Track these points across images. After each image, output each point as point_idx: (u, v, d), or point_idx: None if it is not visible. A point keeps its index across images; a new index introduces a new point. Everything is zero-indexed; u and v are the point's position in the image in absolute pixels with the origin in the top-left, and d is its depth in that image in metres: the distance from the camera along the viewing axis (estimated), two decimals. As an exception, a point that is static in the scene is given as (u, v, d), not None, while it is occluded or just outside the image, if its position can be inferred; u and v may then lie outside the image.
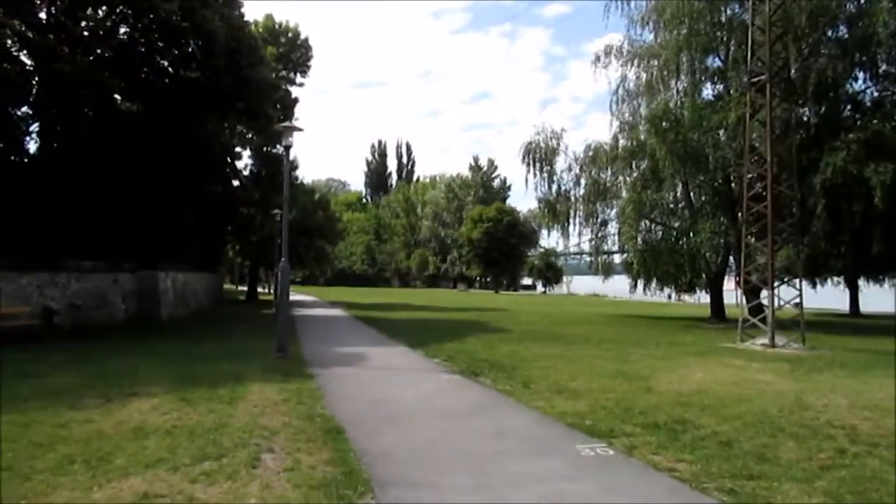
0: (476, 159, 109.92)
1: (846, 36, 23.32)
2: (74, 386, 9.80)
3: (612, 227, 31.21)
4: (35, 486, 5.46)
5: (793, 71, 22.49)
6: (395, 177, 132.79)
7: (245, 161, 42.27)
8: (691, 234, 26.79)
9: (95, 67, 20.59)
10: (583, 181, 30.73)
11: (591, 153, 30.20)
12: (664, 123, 25.30)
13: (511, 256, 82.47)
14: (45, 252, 19.30)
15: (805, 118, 24.09)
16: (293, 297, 39.43)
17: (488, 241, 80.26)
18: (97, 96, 20.46)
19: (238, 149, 40.06)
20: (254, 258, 47.04)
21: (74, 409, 8.28)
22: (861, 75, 24.17)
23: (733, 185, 25.70)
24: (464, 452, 6.63)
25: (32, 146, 23.53)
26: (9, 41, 19.76)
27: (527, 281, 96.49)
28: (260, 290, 56.13)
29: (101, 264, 21.59)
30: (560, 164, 31.48)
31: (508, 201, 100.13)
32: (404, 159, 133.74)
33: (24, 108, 21.98)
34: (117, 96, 23.07)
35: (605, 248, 32.32)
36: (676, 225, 28.63)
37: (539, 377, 11.41)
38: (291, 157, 15.83)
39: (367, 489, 5.46)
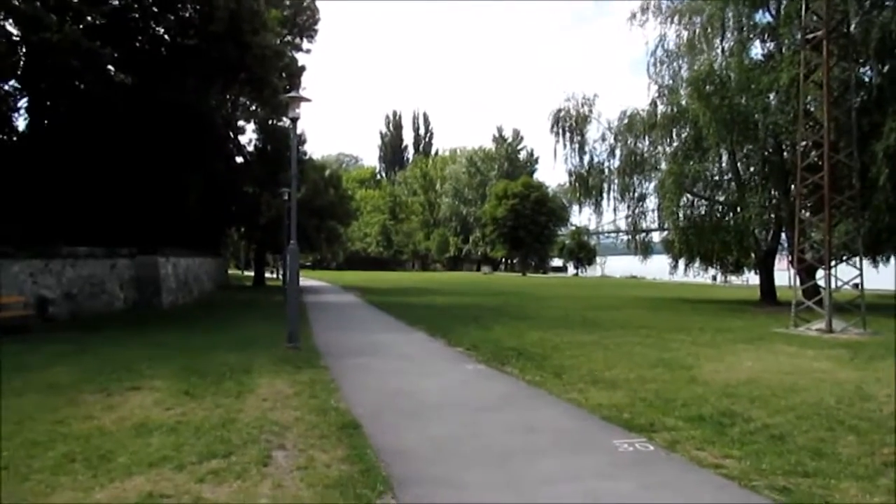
0: (500, 130, 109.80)
1: (913, -14, 22.74)
2: (72, 380, 9.98)
3: (651, 202, 31.05)
4: (34, 486, 5.57)
5: (852, 26, 21.97)
6: (411, 150, 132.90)
7: (249, 135, 42.48)
8: (738, 209, 26.52)
9: (86, 36, 20.70)
10: (618, 152, 30.53)
11: (626, 121, 29.97)
12: (708, 87, 24.96)
13: (539, 236, 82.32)
14: (38, 237, 19.59)
15: (866, 79, 23.58)
16: (303, 282, 39.64)
17: (514, 219, 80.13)
18: (89, 67, 20.60)
19: (241, 122, 40.25)
20: (260, 241, 47.40)
21: (73, 404, 8.44)
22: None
23: (786, 154, 25.34)
24: (490, 448, 6.66)
25: (21, 123, 23.85)
26: (-8, 9, 19.95)
27: (557, 262, 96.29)
28: (267, 275, 56.60)
29: (97, 250, 21.88)
30: (592, 133, 31.40)
31: (536, 175, 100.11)
32: (421, 131, 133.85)
33: (12, 82, 22.21)
34: (111, 67, 23.21)
35: (643, 225, 32.16)
36: (722, 199, 28.32)
37: (572, 367, 11.42)
38: (299, 131, 15.90)
39: (387, 488, 5.51)
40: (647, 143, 29.82)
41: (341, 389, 9.45)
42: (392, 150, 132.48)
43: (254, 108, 37.92)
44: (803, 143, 19.07)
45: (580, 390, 9.47)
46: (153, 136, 23.09)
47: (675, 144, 28.80)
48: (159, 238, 25.85)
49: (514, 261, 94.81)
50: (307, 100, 14.51)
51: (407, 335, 16.81)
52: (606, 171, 31.18)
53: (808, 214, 19.27)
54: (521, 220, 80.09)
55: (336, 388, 9.56)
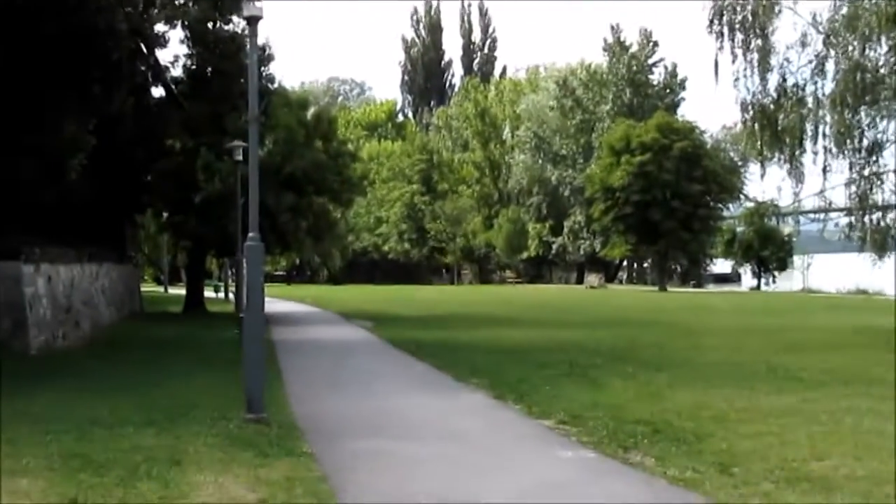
0: (616, 31, 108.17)
1: None
2: None
3: (894, 156, 30.62)
4: None
5: None
6: (458, 71, 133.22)
7: (174, 50, 42.96)
8: None
9: None
10: (830, 66, 30.23)
11: (844, 11, 29.60)
12: None
13: (689, 219, 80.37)
14: None
15: None
16: (273, 304, 39.73)
17: (644, 189, 78.70)
18: None
19: (161, 27, 40.64)
20: (196, 235, 47.75)
21: None
22: None
23: None
24: None
25: None
26: None
27: (722, 266, 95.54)
28: (209, 293, 57.17)
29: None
30: (783, 34, 31.08)
31: (681, 112, 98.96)
32: (476, 37, 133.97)
33: None
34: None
35: (879, 198, 31.72)
36: None
37: (750, 452, 11.34)
38: (261, 41, 15.95)
39: None
40: (883, 48, 29.47)
41: (340, 495, 9.51)
42: (425, 71, 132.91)
43: (181, 1, 38.28)
44: None
45: (766, 495, 9.39)
46: (6, 56, 23.44)
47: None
48: (22, 231, 26.09)
49: (645, 264, 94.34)
50: (275, -15, 14.61)
51: (454, 398, 16.90)
52: (810, 101, 30.91)
53: None
54: (656, 190, 78.73)
55: (331, 492, 9.62)
